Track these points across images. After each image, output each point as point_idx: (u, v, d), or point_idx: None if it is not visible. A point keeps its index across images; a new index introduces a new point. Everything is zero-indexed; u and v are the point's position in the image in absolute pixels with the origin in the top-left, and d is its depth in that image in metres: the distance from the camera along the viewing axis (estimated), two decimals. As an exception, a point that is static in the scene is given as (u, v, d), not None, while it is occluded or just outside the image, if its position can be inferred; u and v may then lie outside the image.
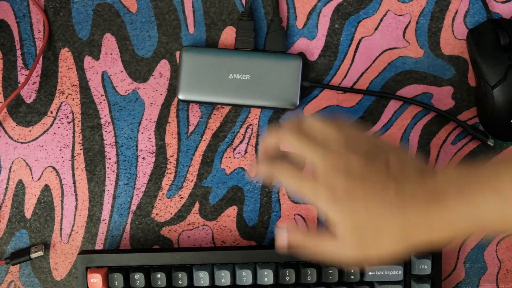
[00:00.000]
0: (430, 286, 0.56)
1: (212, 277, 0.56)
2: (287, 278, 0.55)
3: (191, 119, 0.60)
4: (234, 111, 0.60)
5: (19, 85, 0.59)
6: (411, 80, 0.60)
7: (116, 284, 0.55)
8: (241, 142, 0.60)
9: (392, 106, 0.60)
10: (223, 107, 0.60)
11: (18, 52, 0.59)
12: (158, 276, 0.55)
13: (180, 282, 0.56)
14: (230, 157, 0.60)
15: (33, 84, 0.59)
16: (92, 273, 0.55)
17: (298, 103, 0.58)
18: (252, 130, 0.60)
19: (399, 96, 0.59)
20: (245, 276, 0.55)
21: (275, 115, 0.60)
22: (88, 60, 0.59)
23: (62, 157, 0.59)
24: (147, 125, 0.60)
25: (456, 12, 0.60)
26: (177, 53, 0.59)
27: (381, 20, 0.60)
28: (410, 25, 0.59)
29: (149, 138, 0.60)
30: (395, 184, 0.43)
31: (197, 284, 0.56)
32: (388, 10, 0.59)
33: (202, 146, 0.60)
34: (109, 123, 0.60)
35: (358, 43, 0.60)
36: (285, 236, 0.47)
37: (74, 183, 0.60)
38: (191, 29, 0.59)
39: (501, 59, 0.56)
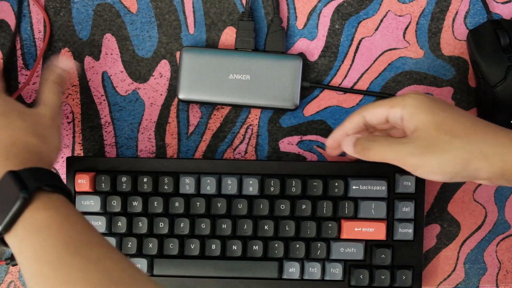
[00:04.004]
0: (414, 205, 0.56)
1: (198, 185, 0.56)
2: (272, 189, 0.56)
3: (191, 120, 0.60)
4: (234, 111, 0.60)
5: (20, 85, 0.59)
6: (411, 81, 0.60)
7: (103, 186, 0.56)
8: (241, 142, 0.60)
9: (392, 106, 0.60)
10: (223, 107, 0.60)
11: (18, 52, 0.59)
12: (145, 180, 0.56)
13: (166, 187, 0.56)
14: (230, 157, 0.60)
15: (33, 84, 0.59)
16: (79, 175, 0.56)
17: (298, 104, 0.58)
18: (252, 131, 0.60)
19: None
20: (230, 185, 0.56)
21: (275, 115, 0.60)
22: (88, 60, 0.59)
23: (62, 157, 0.59)
24: (147, 125, 0.60)
25: (457, 12, 0.60)
26: (177, 54, 0.59)
27: (381, 21, 0.60)
28: (411, 26, 0.59)
29: (149, 139, 0.60)
30: (481, 120, 0.46)
31: (182, 191, 0.56)
32: (389, 10, 0.59)
33: (202, 147, 0.60)
34: (109, 123, 0.60)
35: (358, 44, 0.60)
36: (352, 140, 0.49)
37: (74, 183, 0.60)
38: (191, 29, 0.59)
39: (501, 60, 0.56)
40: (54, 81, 0.54)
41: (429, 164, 0.44)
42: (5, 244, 0.44)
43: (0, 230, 0.42)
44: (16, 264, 0.58)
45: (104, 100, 0.60)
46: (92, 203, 0.56)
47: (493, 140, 0.44)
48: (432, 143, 0.44)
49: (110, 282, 0.39)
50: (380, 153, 0.46)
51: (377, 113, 0.48)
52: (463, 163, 0.44)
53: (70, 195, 0.46)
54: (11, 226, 0.42)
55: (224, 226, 0.56)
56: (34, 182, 0.43)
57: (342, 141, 0.50)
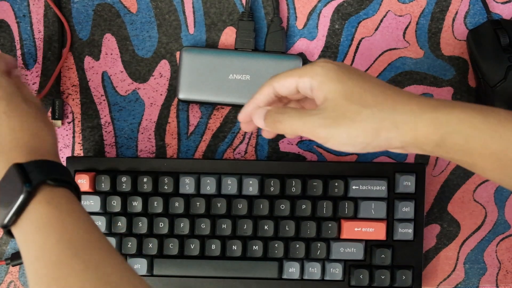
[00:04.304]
0: (414, 205, 0.56)
1: (198, 185, 0.56)
2: (272, 189, 0.56)
3: (191, 120, 0.60)
4: (234, 111, 0.60)
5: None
6: (411, 81, 0.60)
7: (103, 186, 0.56)
8: (241, 142, 0.60)
9: (392, 106, 0.60)
10: (223, 108, 0.60)
11: (18, 52, 0.59)
12: (145, 180, 0.56)
13: (166, 187, 0.56)
14: (230, 157, 0.60)
15: (33, 84, 0.59)
16: (79, 175, 0.56)
17: (298, 104, 0.58)
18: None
19: (399, 97, 0.59)
20: (230, 185, 0.56)
21: (275, 115, 0.60)
22: (88, 60, 0.59)
23: (62, 157, 0.59)
24: (147, 125, 0.60)
25: (456, 12, 0.60)
26: (177, 54, 0.59)
27: (381, 21, 0.60)
28: (410, 26, 0.59)
29: (149, 139, 0.60)
30: (392, 87, 0.44)
31: (182, 191, 0.56)
32: (388, 10, 0.59)
33: (202, 147, 0.60)
34: (109, 123, 0.60)
35: (358, 44, 0.60)
36: (263, 112, 0.46)
37: (74, 183, 0.59)
38: (191, 29, 0.59)
39: (501, 60, 0.56)
40: (18, 76, 0.52)
41: (338, 136, 0.43)
42: (12, 236, 0.44)
43: (6, 223, 0.42)
44: (16, 264, 0.58)
45: (104, 100, 0.60)
46: (92, 203, 0.56)
47: (403, 108, 0.42)
48: (341, 114, 0.43)
49: (107, 287, 0.39)
50: (290, 125, 0.45)
51: (287, 83, 0.46)
52: (373, 133, 0.42)
53: (77, 189, 0.45)
54: (16, 220, 0.42)
55: (224, 226, 0.56)
56: (38, 175, 0.43)
57: (253, 114, 0.48)
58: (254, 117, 0.47)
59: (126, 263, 0.42)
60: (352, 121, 0.42)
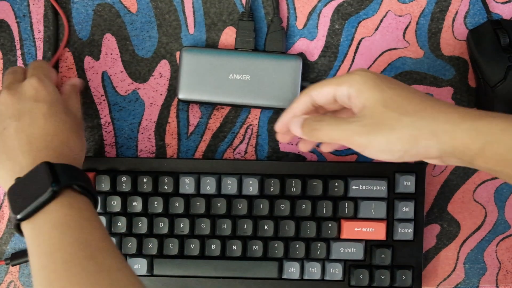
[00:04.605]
0: (414, 205, 0.56)
1: (198, 185, 0.56)
2: (272, 189, 0.56)
3: (191, 119, 0.60)
4: (234, 111, 0.60)
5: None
6: (411, 81, 0.60)
7: (103, 186, 0.56)
8: (241, 142, 0.60)
9: (392, 106, 0.60)
10: (223, 107, 0.60)
11: (18, 52, 0.59)
12: (145, 180, 0.56)
13: (166, 187, 0.56)
14: (230, 157, 0.60)
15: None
16: None
17: (298, 104, 0.58)
18: (252, 131, 0.60)
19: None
20: (230, 185, 0.56)
21: (275, 115, 0.60)
22: (88, 60, 0.59)
23: (62, 157, 0.59)
24: (147, 125, 0.60)
25: (456, 12, 0.60)
26: (177, 54, 0.59)
27: (381, 21, 0.60)
28: (410, 26, 0.59)
29: (149, 139, 0.60)
30: (430, 96, 0.45)
31: (182, 191, 0.56)
32: (388, 10, 0.59)
33: (202, 147, 0.60)
34: (109, 123, 0.60)
35: (358, 44, 0.60)
36: (300, 120, 0.47)
37: (74, 183, 0.59)
38: (191, 29, 0.59)
39: (501, 60, 0.56)
40: (76, 91, 0.56)
41: (376, 143, 0.43)
42: (20, 231, 0.44)
43: (21, 217, 0.43)
44: (16, 264, 0.58)
45: (104, 100, 0.60)
46: None
47: (442, 117, 0.42)
48: (380, 121, 0.43)
49: None
50: (328, 132, 0.45)
51: (324, 91, 0.46)
52: (411, 141, 0.42)
53: (96, 201, 0.47)
54: (32, 215, 0.43)
55: (224, 226, 0.56)
56: (66, 178, 0.44)
57: (290, 123, 0.48)
58: (291, 126, 0.48)
59: (134, 272, 0.43)
60: (391, 129, 0.42)
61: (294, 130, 0.47)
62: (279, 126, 0.50)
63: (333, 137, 0.45)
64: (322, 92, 0.46)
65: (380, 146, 0.43)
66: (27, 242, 0.43)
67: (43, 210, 0.43)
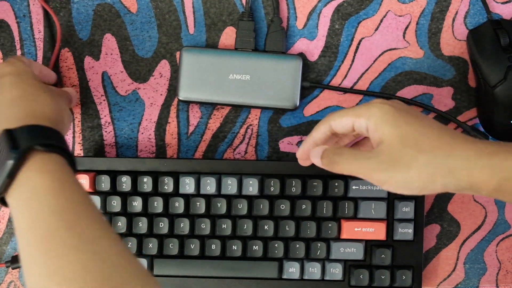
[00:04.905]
0: (414, 205, 0.56)
1: (198, 185, 0.56)
2: (272, 189, 0.56)
3: (191, 120, 0.60)
4: (234, 111, 0.60)
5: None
6: (411, 81, 0.60)
7: (103, 186, 0.56)
8: (241, 142, 0.60)
9: (392, 106, 0.60)
10: (223, 107, 0.60)
11: (18, 52, 0.59)
12: (145, 180, 0.56)
13: (166, 187, 0.56)
14: (230, 157, 0.60)
15: (33, 84, 0.59)
16: (79, 175, 0.56)
17: (298, 104, 0.58)
18: (252, 131, 0.60)
19: (399, 97, 0.59)
20: (230, 185, 0.56)
21: (275, 115, 0.60)
22: (88, 60, 0.59)
23: (62, 157, 0.59)
24: (147, 125, 0.60)
25: (456, 13, 0.60)
26: (177, 54, 0.59)
27: (381, 21, 0.60)
28: (410, 26, 0.59)
29: (149, 139, 0.60)
30: (448, 129, 0.45)
31: (182, 191, 0.56)
32: (388, 10, 0.59)
33: (202, 147, 0.60)
34: (109, 123, 0.60)
35: (358, 44, 0.60)
36: (320, 151, 0.48)
37: (74, 183, 0.59)
38: (191, 29, 0.59)
39: (501, 60, 0.56)
40: (67, 91, 0.55)
41: (394, 180, 0.44)
42: (6, 205, 0.42)
43: None
44: (16, 267, 0.58)
45: (104, 100, 0.60)
46: None
47: (459, 153, 0.43)
48: (397, 159, 0.43)
49: (103, 263, 0.37)
50: (347, 167, 0.46)
51: (343, 122, 0.47)
52: (429, 179, 0.43)
53: (70, 156, 0.43)
54: (7, 188, 0.40)
55: (224, 226, 0.56)
56: (26, 141, 0.40)
57: (310, 153, 0.49)
58: (311, 156, 0.49)
59: (120, 238, 0.40)
60: (407, 167, 0.43)
61: (314, 161, 0.49)
62: (300, 153, 0.51)
63: (351, 171, 0.46)
64: (341, 123, 0.47)
65: (398, 184, 0.44)
66: (12, 217, 0.41)
67: (17, 180, 0.40)
